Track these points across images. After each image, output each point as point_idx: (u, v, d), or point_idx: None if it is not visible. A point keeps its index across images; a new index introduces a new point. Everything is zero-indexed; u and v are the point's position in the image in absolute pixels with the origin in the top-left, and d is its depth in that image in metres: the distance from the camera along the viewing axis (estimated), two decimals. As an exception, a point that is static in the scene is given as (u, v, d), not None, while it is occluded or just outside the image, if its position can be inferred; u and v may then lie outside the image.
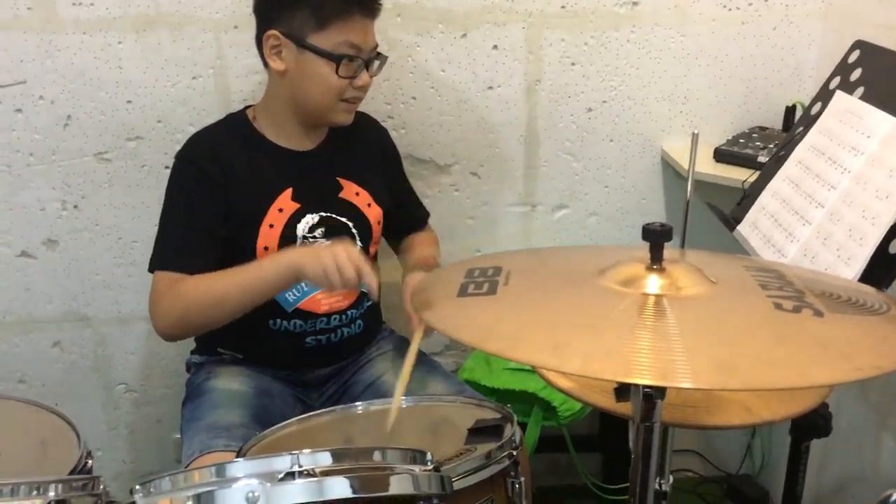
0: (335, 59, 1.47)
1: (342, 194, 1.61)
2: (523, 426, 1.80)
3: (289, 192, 1.55)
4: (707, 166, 1.80)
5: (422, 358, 1.67)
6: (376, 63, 1.55)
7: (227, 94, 1.81)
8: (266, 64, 1.53)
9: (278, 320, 1.58)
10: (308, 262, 1.39)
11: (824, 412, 1.34)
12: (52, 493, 0.93)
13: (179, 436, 1.53)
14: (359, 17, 1.48)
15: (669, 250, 0.97)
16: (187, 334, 1.57)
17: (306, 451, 0.93)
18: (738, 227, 1.51)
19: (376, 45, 1.54)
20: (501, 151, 1.92)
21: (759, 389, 1.04)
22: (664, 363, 0.78)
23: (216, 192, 1.52)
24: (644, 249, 0.97)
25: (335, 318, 1.60)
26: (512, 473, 1.20)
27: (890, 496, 0.94)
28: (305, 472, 0.91)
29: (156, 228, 1.56)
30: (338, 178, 1.61)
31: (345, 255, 1.36)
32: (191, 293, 1.47)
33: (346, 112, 1.55)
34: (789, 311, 0.87)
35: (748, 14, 1.86)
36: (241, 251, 1.51)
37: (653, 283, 0.93)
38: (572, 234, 2.00)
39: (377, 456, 0.97)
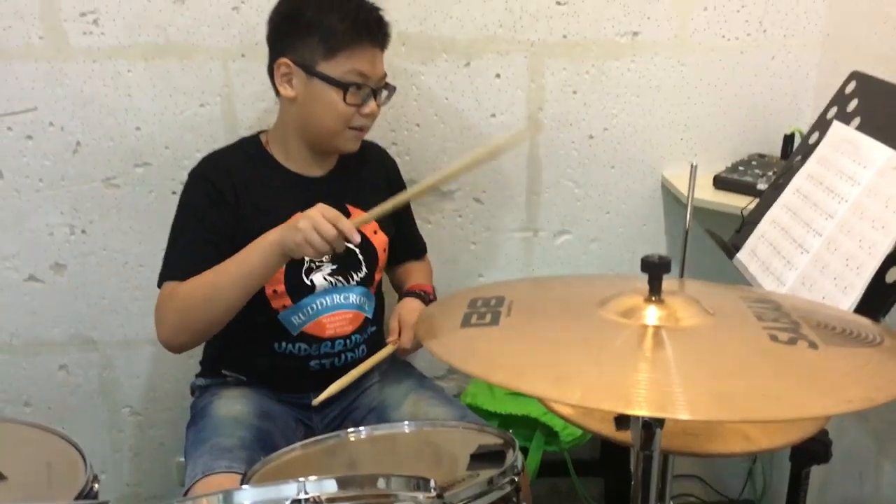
0: (342, 86, 1.50)
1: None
2: (525, 451, 1.81)
3: (297, 216, 1.57)
4: (707, 193, 1.83)
5: (424, 383, 1.70)
6: (384, 93, 1.59)
7: (234, 121, 1.84)
8: (277, 91, 1.56)
9: (284, 343, 1.59)
10: (287, 234, 1.40)
11: (824, 439, 1.35)
12: (61, 518, 0.94)
13: (183, 459, 1.54)
14: (367, 47, 1.52)
15: (668, 281, 0.99)
16: (189, 339, 1.55)
17: (312, 478, 0.94)
18: (738, 255, 1.53)
19: (384, 75, 1.58)
20: (504, 178, 1.95)
21: (754, 421, 1.06)
22: (662, 395, 0.80)
23: (226, 209, 1.55)
24: (644, 279, 0.99)
25: (339, 343, 1.62)
26: (514, 499, 1.20)
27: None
28: (311, 500, 0.92)
29: (163, 253, 1.58)
30: (346, 205, 1.64)
31: (318, 214, 1.38)
32: (186, 292, 1.48)
33: (353, 140, 1.59)
34: (784, 342, 0.89)
35: (746, 44, 1.89)
36: None
37: (651, 315, 0.95)
38: (574, 260, 2.02)
39: (381, 483, 0.98)
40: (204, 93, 1.82)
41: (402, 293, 1.73)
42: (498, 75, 1.87)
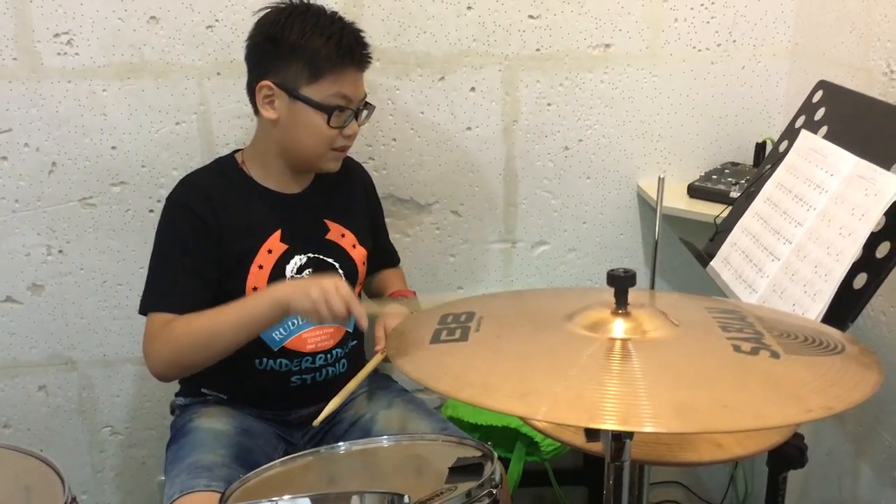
0: (327, 110, 1.50)
1: (329, 236, 1.64)
2: (507, 462, 1.81)
3: (278, 233, 1.58)
4: (681, 202, 1.85)
5: (405, 396, 1.70)
6: (364, 112, 1.60)
7: (210, 139, 1.84)
8: (257, 111, 1.56)
9: (265, 359, 1.60)
10: (297, 296, 1.42)
11: (799, 444, 1.36)
12: (36, 542, 0.94)
13: (164, 478, 1.54)
14: (351, 70, 1.52)
15: (636, 292, 1.01)
16: (181, 374, 1.58)
17: (286, 497, 0.95)
18: (711, 263, 1.54)
19: (365, 95, 1.59)
20: (481, 190, 1.96)
21: (715, 432, 1.07)
22: (627, 407, 0.81)
23: (209, 235, 1.55)
24: (612, 291, 1.00)
25: (321, 357, 1.62)
26: (492, 511, 1.21)
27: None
28: (284, 519, 0.93)
29: (141, 271, 1.59)
30: (324, 220, 1.65)
31: (333, 289, 1.40)
32: (182, 332, 1.49)
33: (335, 160, 1.60)
34: (747, 352, 0.90)
35: (717, 54, 1.91)
36: (230, 292, 1.54)
37: (618, 328, 0.96)
38: (552, 270, 2.04)
39: (355, 501, 0.99)
40: (180, 111, 1.82)
41: (385, 300, 1.73)
42: (473, 89, 1.89)
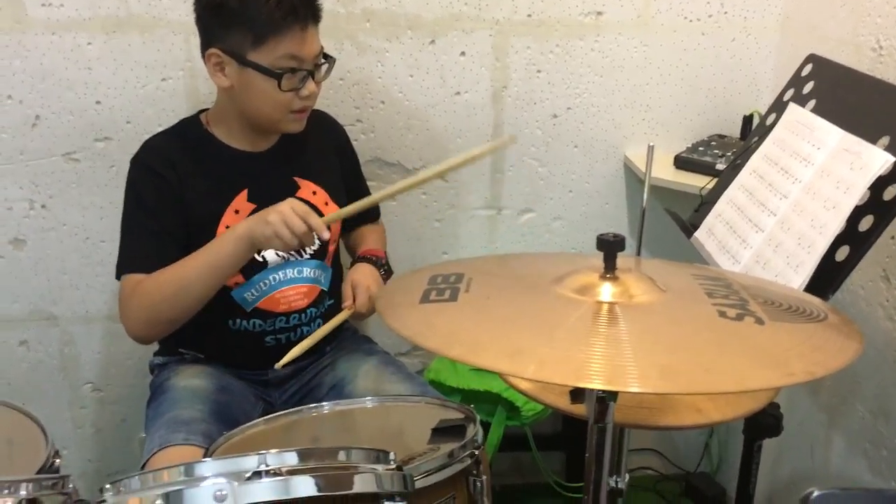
0: (276, 74, 1.46)
1: (299, 193, 1.61)
2: (487, 426, 1.83)
3: (244, 193, 1.57)
4: (667, 173, 1.86)
5: (387, 359, 1.71)
6: (323, 68, 1.54)
7: (196, 97, 1.82)
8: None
9: (238, 320, 1.60)
10: (257, 227, 1.41)
11: (775, 413, 1.39)
12: (23, 492, 0.94)
13: (144, 435, 1.54)
14: (295, 29, 1.45)
15: (624, 258, 1.02)
16: (159, 333, 1.58)
17: (273, 451, 0.96)
18: (696, 234, 1.56)
19: (320, 51, 1.52)
20: (468, 156, 1.96)
21: (698, 394, 1.09)
22: (614, 368, 0.83)
23: (173, 196, 1.53)
24: (600, 257, 1.01)
25: (294, 317, 1.62)
26: (474, 472, 1.23)
27: (811, 493, 0.99)
28: (272, 472, 0.94)
29: (124, 228, 1.57)
30: (294, 178, 1.62)
31: (289, 209, 1.40)
32: (152, 288, 1.48)
33: (296, 122, 1.56)
34: (732, 318, 0.92)
35: (708, 25, 1.91)
36: None
37: (606, 292, 0.97)
38: (537, 238, 2.04)
39: (342, 455, 1.00)
40: (166, 67, 1.80)
41: (355, 258, 1.72)
42: (463, 53, 1.88)
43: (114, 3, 1.74)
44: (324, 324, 1.62)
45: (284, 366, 1.49)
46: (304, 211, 1.40)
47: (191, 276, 1.47)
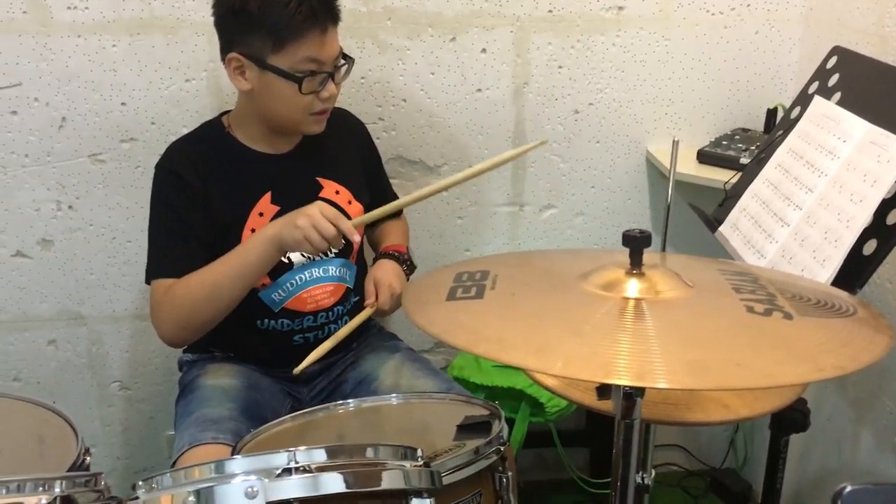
0: (296, 78, 1.46)
1: (322, 193, 1.62)
2: (511, 422, 1.84)
3: (268, 195, 1.58)
4: (690, 167, 1.85)
5: (411, 356, 1.72)
6: (343, 69, 1.55)
7: (220, 97, 1.83)
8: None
9: (266, 320, 1.61)
10: (286, 230, 1.43)
11: (802, 408, 1.39)
12: (57, 490, 0.96)
13: (173, 432, 1.56)
14: (316, 33, 1.45)
15: (649, 254, 1.01)
16: (191, 336, 1.59)
17: (302, 447, 0.96)
18: (720, 228, 1.55)
19: (339, 52, 1.53)
20: (490, 152, 1.96)
21: (728, 389, 1.09)
22: (641, 364, 0.83)
23: (198, 199, 1.55)
24: (625, 253, 1.01)
25: (322, 316, 1.63)
26: (499, 468, 1.24)
27: (844, 489, 0.98)
28: (302, 468, 0.95)
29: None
30: (317, 178, 1.63)
31: (318, 213, 1.40)
32: (183, 293, 1.50)
33: (317, 123, 1.56)
34: (760, 313, 0.91)
35: (730, 18, 1.90)
36: None
37: (632, 288, 0.97)
38: (559, 234, 2.04)
39: (370, 452, 1.01)
40: (190, 68, 1.81)
41: (377, 254, 1.73)
42: (484, 50, 1.88)
43: (137, 5, 1.75)
44: (350, 321, 1.63)
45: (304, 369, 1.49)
46: (333, 215, 1.41)
47: (220, 280, 1.49)
